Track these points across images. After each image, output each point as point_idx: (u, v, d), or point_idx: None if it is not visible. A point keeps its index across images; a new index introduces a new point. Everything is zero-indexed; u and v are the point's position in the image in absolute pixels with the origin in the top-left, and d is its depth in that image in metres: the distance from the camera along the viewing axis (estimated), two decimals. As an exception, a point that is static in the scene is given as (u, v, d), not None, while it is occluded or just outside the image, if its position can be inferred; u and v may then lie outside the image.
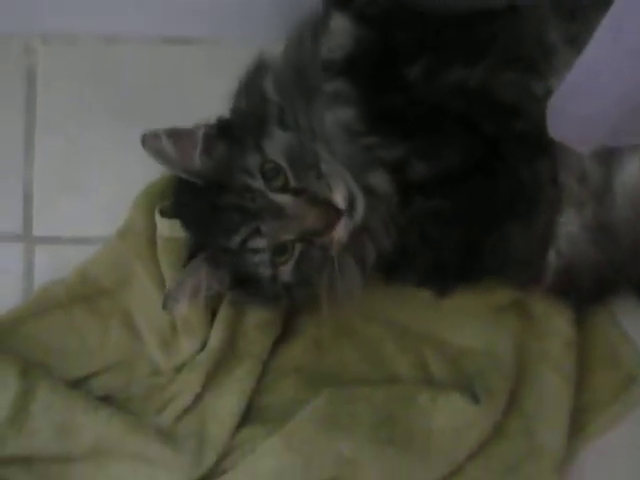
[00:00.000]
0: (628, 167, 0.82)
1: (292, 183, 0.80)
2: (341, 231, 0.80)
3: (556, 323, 0.95)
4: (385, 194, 0.82)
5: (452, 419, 0.92)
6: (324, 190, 0.79)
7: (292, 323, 0.98)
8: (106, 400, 0.95)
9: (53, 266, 0.99)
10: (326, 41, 0.85)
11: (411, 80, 0.83)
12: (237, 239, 0.81)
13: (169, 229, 0.91)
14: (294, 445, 0.90)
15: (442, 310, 0.97)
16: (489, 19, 0.87)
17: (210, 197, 0.82)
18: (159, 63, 1.04)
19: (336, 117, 0.82)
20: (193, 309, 0.93)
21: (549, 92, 0.79)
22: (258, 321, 0.95)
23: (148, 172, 0.95)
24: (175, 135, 0.81)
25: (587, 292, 0.91)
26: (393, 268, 0.89)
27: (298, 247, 0.81)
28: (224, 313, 0.94)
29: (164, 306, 0.85)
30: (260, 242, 0.81)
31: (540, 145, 0.82)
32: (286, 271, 0.82)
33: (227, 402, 0.93)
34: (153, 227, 0.94)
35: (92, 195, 1.01)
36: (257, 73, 0.85)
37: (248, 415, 0.94)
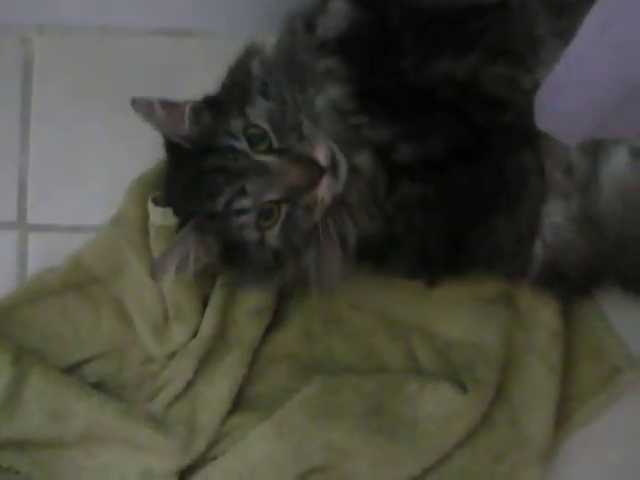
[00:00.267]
0: (614, 159, 0.83)
1: (275, 144, 0.81)
2: (324, 189, 0.80)
3: (542, 315, 0.96)
4: (369, 174, 0.83)
5: (440, 408, 0.93)
6: (306, 148, 0.80)
7: (283, 312, 0.99)
8: (98, 387, 0.95)
9: (47, 254, 1.00)
10: (322, 22, 0.87)
11: (403, 66, 0.84)
12: (222, 200, 0.80)
13: (161, 217, 0.92)
14: (284, 432, 0.91)
15: (431, 301, 0.98)
16: (479, 13, 0.88)
17: (196, 162, 0.82)
18: (154, 54, 1.05)
19: (326, 95, 0.83)
20: (185, 296, 0.94)
21: (537, 85, 0.79)
22: (249, 309, 0.96)
23: (141, 162, 0.96)
24: (167, 105, 0.83)
25: (573, 284, 0.92)
26: (382, 258, 0.90)
27: (284, 209, 0.81)
28: (216, 301, 0.95)
29: (152, 276, 0.86)
30: (245, 202, 0.80)
31: (527, 137, 0.83)
32: (272, 235, 0.82)
33: (218, 389, 0.94)
34: (145, 216, 0.94)
35: (86, 184, 1.02)
36: (246, 57, 0.86)
37: (239, 402, 0.95)
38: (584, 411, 0.97)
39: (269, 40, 0.89)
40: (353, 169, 0.82)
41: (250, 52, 0.87)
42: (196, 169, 0.82)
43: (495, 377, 0.95)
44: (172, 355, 0.96)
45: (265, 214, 0.81)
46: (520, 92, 0.83)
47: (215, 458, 0.93)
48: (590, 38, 0.61)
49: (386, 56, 0.85)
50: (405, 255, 0.89)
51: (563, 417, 0.96)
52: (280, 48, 0.89)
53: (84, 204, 1.02)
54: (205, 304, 0.96)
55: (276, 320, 0.98)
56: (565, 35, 0.78)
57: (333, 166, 0.80)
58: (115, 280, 0.98)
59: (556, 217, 0.86)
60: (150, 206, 0.93)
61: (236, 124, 0.81)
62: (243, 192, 0.80)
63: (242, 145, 0.81)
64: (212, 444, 0.94)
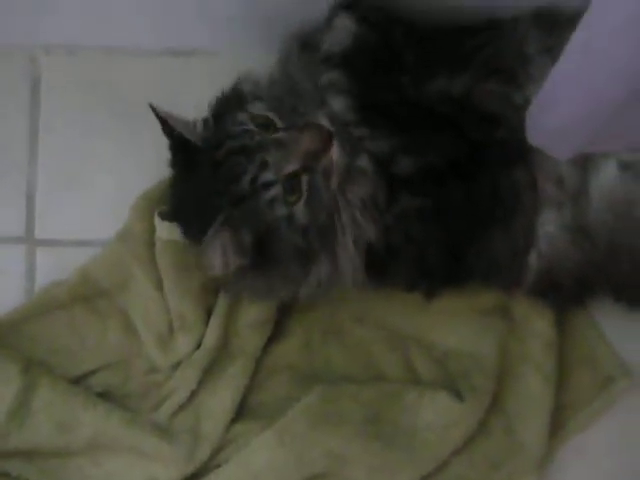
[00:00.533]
0: (603, 171, 0.85)
1: (280, 125, 0.83)
2: (336, 151, 0.81)
3: (537, 325, 0.98)
4: (372, 176, 0.85)
5: (438, 417, 0.95)
6: (310, 118, 0.82)
7: (283, 324, 1.01)
8: (104, 397, 0.97)
9: (54, 268, 1.02)
10: (328, 38, 0.90)
11: (403, 82, 0.87)
12: (247, 178, 0.81)
13: (167, 232, 0.94)
14: (286, 440, 0.93)
15: (429, 313, 1.00)
16: (473, 33, 0.91)
17: (209, 155, 0.83)
18: (157, 73, 1.07)
19: (329, 108, 0.85)
20: (189, 308, 0.97)
21: (527, 101, 0.82)
22: (251, 321, 0.98)
23: (146, 177, 0.99)
24: (180, 120, 0.86)
25: (567, 293, 0.94)
26: (382, 271, 0.91)
27: (305, 180, 0.82)
28: (219, 313, 0.97)
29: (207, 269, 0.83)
30: (269, 175, 0.81)
31: (520, 153, 0.85)
32: (299, 209, 0.82)
33: (221, 399, 0.96)
34: (151, 230, 0.97)
35: (93, 199, 1.04)
36: (237, 82, 0.90)
37: (241, 411, 0.97)
38: (578, 419, 0.99)
39: (268, 60, 0.93)
40: (356, 171, 0.84)
41: (241, 78, 0.90)
42: (211, 162, 0.83)
43: (491, 385, 0.97)
44: (176, 365, 0.98)
45: (289, 188, 0.81)
46: (512, 108, 0.85)
47: (219, 466, 0.95)
48: (575, 57, 0.63)
49: (388, 72, 0.88)
50: (404, 267, 0.91)
51: (557, 425, 0.98)
52: (279, 67, 0.92)
53: (91, 219, 1.04)
54: (209, 316, 0.98)
55: (277, 332, 1.00)
56: (553, 52, 0.81)
57: (337, 132, 0.82)
58: (121, 293, 1.00)
59: (550, 227, 0.88)
60: (156, 220, 0.96)
61: (242, 116, 0.84)
62: (265, 165, 0.81)
63: (253, 127, 0.83)
64: (216, 452, 0.96)
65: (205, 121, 0.86)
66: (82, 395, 0.95)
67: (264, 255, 0.83)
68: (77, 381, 0.98)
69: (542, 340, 0.98)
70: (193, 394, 0.97)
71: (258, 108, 0.85)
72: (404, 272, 0.92)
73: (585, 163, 0.86)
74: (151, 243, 0.97)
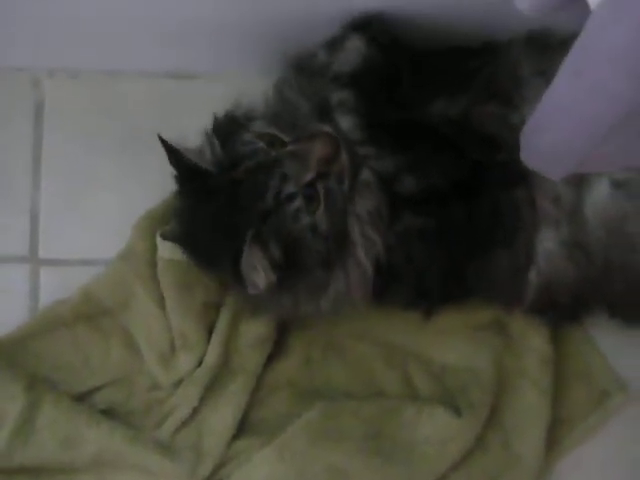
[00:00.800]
0: (596, 189, 0.87)
1: (286, 139, 0.85)
2: (344, 154, 0.84)
3: (533, 341, 1.00)
4: (374, 189, 0.87)
5: (437, 432, 0.96)
6: (314, 127, 0.85)
7: (284, 341, 1.02)
8: (108, 414, 0.98)
9: (58, 287, 1.03)
10: (338, 58, 0.93)
11: (408, 103, 0.90)
12: (271, 193, 0.83)
13: (169, 251, 0.96)
14: (287, 456, 0.94)
15: (426, 329, 1.02)
16: (470, 56, 0.93)
17: (226, 178, 0.84)
18: (160, 96, 1.09)
19: (336, 126, 0.88)
20: (191, 327, 0.98)
21: (524, 123, 0.83)
22: (252, 339, 0.99)
23: (149, 197, 1.01)
24: (188, 148, 0.87)
25: (563, 309, 0.95)
26: (382, 290, 0.92)
27: (321, 187, 0.83)
28: (220, 331, 0.98)
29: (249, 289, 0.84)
30: (290, 187, 0.83)
31: (520, 174, 0.87)
32: (321, 216, 0.84)
33: (223, 415, 0.97)
34: (153, 249, 0.98)
35: (96, 219, 1.06)
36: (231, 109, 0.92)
37: (243, 428, 0.98)
38: (574, 434, 1.01)
39: (268, 83, 0.95)
40: (361, 184, 0.86)
41: (235, 104, 0.92)
42: (230, 184, 0.84)
43: (489, 400, 0.98)
44: (178, 383, 0.99)
45: (309, 198, 0.83)
46: (510, 130, 0.87)
47: (220, 481, 0.96)
48: (566, 83, 0.64)
49: (394, 92, 0.91)
50: (404, 287, 0.93)
51: (554, 440, 0.99)
52: (274, 92, 0.94)
53: (94, 238, 1.05)
54: (210, 334, 0.99)
55: (278, 349, 1.01)
56: (547, 75, 0.83)
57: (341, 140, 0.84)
58: (124, 312, 1.01)
59: (548, 244, 0.89)
60: (158, 240, 0.97)
61: (248, 136, 0.86)
62: (285, 178, 0.83)
63: (263, 145, 0.85)
64: (217, 468, 0.96)
65: (212, 146, 0.87)
66: (86, 412, 0.96)
67: (291, 268, 0.85)
68: (81, 398, 0.99)
69: (538, 356, 0.99)
70: (195, 411, 0.98)
71: (260, 126, 0.87)
72: (404, 291, 0.94)
73: (580, 182, 0.88)
74: (153, 262, 0.98)
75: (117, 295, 1.01)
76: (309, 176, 0.83)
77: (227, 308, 0.99)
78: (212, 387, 0.98)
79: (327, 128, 0.84)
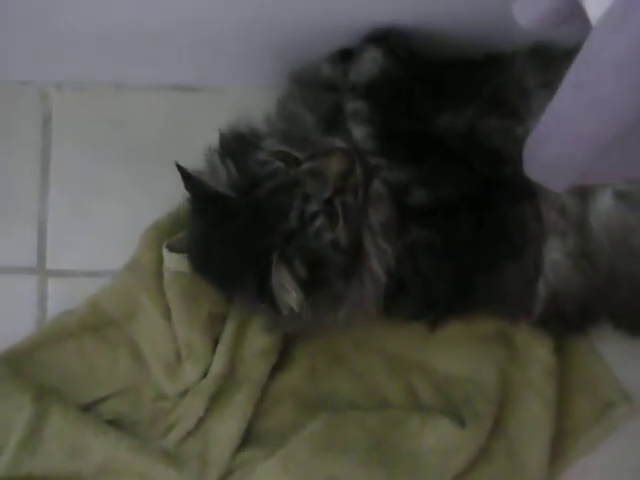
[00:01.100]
0: (600, 200, 0.88)
1: (300, 156, 0.85)
2: (359, 169, 0.85)
3: (537, 352, 1.00)
4: (386, 200, 0.87)
5: (441, 442, 0.96)
6: (327, 142, 0.86)
7: (288, 352, 1.02)
8: (114, 424, 0.99)
9: (66, 298, 1.04)
10: (355, 69, 0.94)
11: (421, 115, 0.90)
12: (295, 214, 0.84)
13: (175, 263, 0.96)
14: (290, 467, 0.95)
15: (431, 340, 1.02)
16: (475, 68, 0.94)
17: (246, 200, 0.85)
18: (167, 109, 1.10)
19: (350, 135, 0.89)
20: (197, 337, 0.99)
21: (529, 135, 0.84)
22: (257, 350, 0.99)
23: (155, 208, 1.02)
24: (204, 172, 0.88)
25: (569, 320, 0.96)
26: (389, 301, 0.92)
27: (338, 202, 0.84)
28: (225, 341, 0.99)
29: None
30: (313, 206, 0.84)
31: (527, 188, 0.87)
32: (340, 231, 0.84)
33: (228, 426, 0.98)
34: (160, 261, 0.99)
35: (103, 230, 1.06)
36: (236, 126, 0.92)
37: (247, 438, 0.99)
38: (579, 444, 1.01)
39: (274, 95, 0.96)
40: (373, 195, 0.87)
41: (238, 121, 0.92)
42: (251, 206, 0.85)
43: (493, 411, 0.98)
44: (184, 393, 1.00)
45: (329, 214, 0.84)
46: (515, 143, 0.85)
47: (225, 492, 0.97)
48: (568, 95, 0.65)
49: (408, 104, 0.91)
50: (411, 299, 0.93)
51: (559, 450, 1.00)
52: (277, 107, 0.95)
53: (102, 250, 1.06)
54: (216, 344, 1.00)
55: (282, 360, 1.02)
56: (552, 86, 0.83)
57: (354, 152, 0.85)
58: (130, 322, 1.02)
59: (555, 254, 0.90)
60: (165, 252, 0.98)
61: (262, 155, 0.87)
62: (307, 198, 0.84)
63: (280, 164, 0.85)
64: (222, 478, 0.97)
65: (227, 168, 0.87)
66: (92, 422, 0.97)
67: (315, 284, 0.85)
68: (87, 408, 1.00)
69: (543, 366, 1.00)
70: (200, 421, 0.98)
71: (272, 144, 0.87)
72: (410, 303, 0.94)
73: (585, 193, 0.88)
74: (159, 273, 0.99)
75: (123, 306, 1.02)
76: (328, 193, 0.84)
77: (232, 319, 1.00)
78: (217, 397, 0.99)
79: (340, 143, 0.85)
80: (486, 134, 0.90)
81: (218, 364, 0.99)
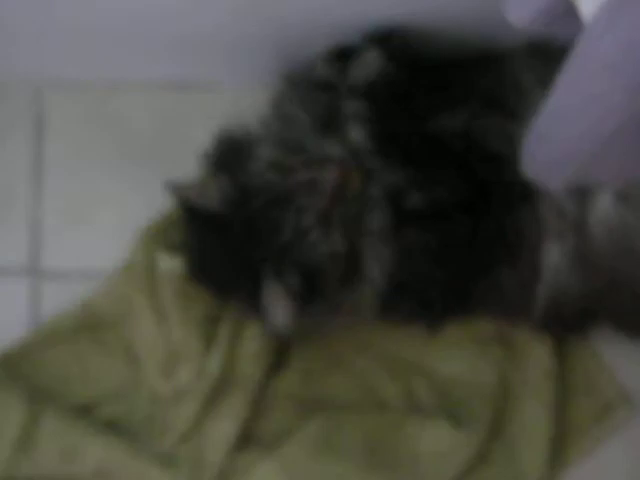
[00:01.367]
0: (600, 202, 0.87)
1: (296, 165, 0.85)
2: (357, 178, 0.84)
3: (536, 353, 0.99)
4: (383, 204, 0.87)
5: (438, 444, 0.96)
6: (324, 153, 0.85)
7: (285, 353, 1.02)
8: (109, 426, 0.98)
9: (59, 299, 1.03)
10: (355, 69, 0.93)
11: (419, 117, 0.90)
12: (289, 227, 0.84)
13: (169, 264, 0.96)
14: (288, 468, 0.95)
15: (429, 342, 1.01)
16: (469, 68, 0.93)
17: (240, 214, 0.85)
18: (161, 107, 1.09)
19: (347, 135, 0.88)
20: (192, 339, 0.98)
21: (526, 132, 0.83)
22: (253, 350, 0.99)
23: (149, 209, 1.01)
24: (196, 186, 0.88)
25: (569, 322, 0.95)
26: (387, 305, 0.92)
27: (336, 213, 0.84)
28: (221, 342, 0.98)
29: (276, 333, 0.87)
30: (308, 218, 0.84)
31: (524, 191, 0.86)
32: (338, 242, 0.84)
33: (223, 427, 0.97)
34: (154, 262, 0.99)
35: (97, 231, 1.06)
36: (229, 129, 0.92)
37: (244, 440, 0.98)
38: (578, 447, 1.00)
39: (269, 94, 0.95)
40: (370, 200, 0.86)
41: (231, 124, 0.92)
42: (244, 221, 0.85)
43: (491, 413, 0.98)
44: (179, 394, 0.99)
45: (325, 226, 0.84)
46: (510, 142, 0.85)
47: (221, 494, 0.96)
48: (563, 93, 0.64)
49: (407, 106, 0.90)
50: (407, 301, 0.93)
51: (558, 452, 0.99)
52: (272, 109, 0.94)
53: (96, 251, 1.05)
54: (211, 345, 0.99)
55: (279, 361, 1.01)
56: (549, 84, 0.82)
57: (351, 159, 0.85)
58: (124, 324, 1.02)
59: (554, 256, 0.89)
60: (159, 253, 0.98)
61: (255, 166, 0.86)
62: (302, 210, 0.84)
63: (273, 176, 0.85)
64: (217, 480, 0.96)
65: (219, 182, 0.87)
66: (87, 426, 0.97)
67: (310, 293, 0.85)
68: (82, 411, 0.99)
69: (542, 368, 0.99)
70: (195, 423, 0.98)
71: (266, 152, 0.87)
72: (407, 306, 0.94)
73: (583, 194, 0.87)
74: (154, 275, 0.99)
75: (118, 307, 1.02)
76: (324, 205, 0.84)
77: (227, 320, 0.99)
78: (213, 399, 0.98)
79: (337, 151, 0.85)
80: (483, 133, 0.89)
81: (213, 365, 0.98)
